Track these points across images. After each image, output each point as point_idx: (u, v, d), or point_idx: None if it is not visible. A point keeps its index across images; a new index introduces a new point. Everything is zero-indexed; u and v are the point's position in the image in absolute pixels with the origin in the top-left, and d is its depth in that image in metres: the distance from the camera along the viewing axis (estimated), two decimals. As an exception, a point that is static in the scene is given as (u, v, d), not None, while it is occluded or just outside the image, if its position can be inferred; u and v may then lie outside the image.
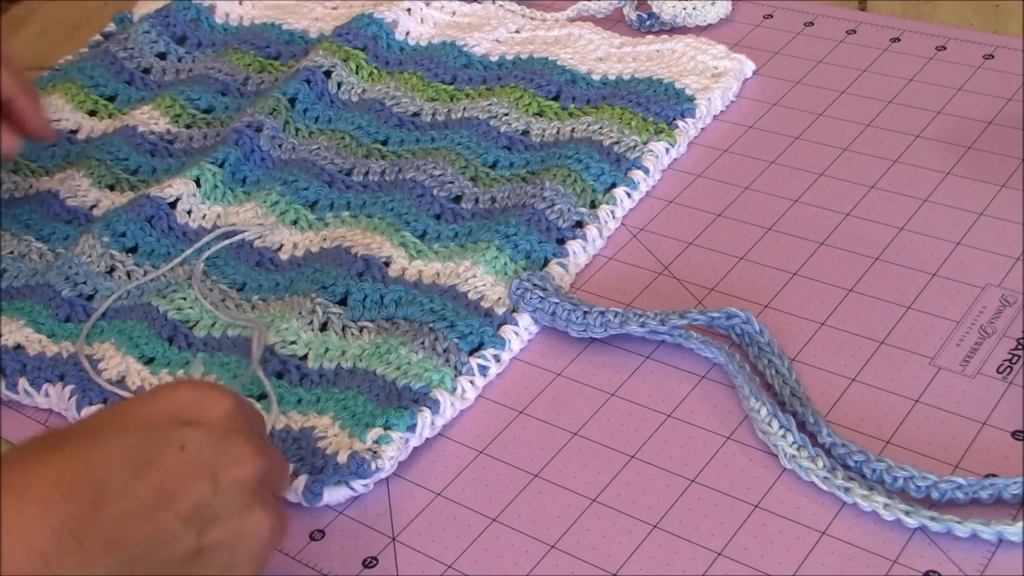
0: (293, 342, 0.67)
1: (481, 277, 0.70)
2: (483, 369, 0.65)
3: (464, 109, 0.84)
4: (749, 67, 0.87)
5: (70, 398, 0.66)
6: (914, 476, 0.56)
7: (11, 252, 0.77)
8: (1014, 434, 0.59)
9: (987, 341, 0.64)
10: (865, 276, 0.69)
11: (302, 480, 0.59)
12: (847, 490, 0.56)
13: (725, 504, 0.57)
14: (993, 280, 0.67)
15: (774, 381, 0.62)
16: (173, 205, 0.77)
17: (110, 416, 0.49)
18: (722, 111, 0.84)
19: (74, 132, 0.89)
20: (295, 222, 0.76)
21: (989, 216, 0.72)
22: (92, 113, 0.90)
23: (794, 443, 0.58)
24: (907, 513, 0.54)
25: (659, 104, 0.82)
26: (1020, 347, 0.63)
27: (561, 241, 0.72)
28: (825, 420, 0.59)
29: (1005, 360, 0.63)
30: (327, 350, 0.67)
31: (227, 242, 0.75)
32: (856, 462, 0.57)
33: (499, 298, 0.68)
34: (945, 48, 0.87)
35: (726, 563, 0.55)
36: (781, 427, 0.59)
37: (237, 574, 0.49)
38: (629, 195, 0.76)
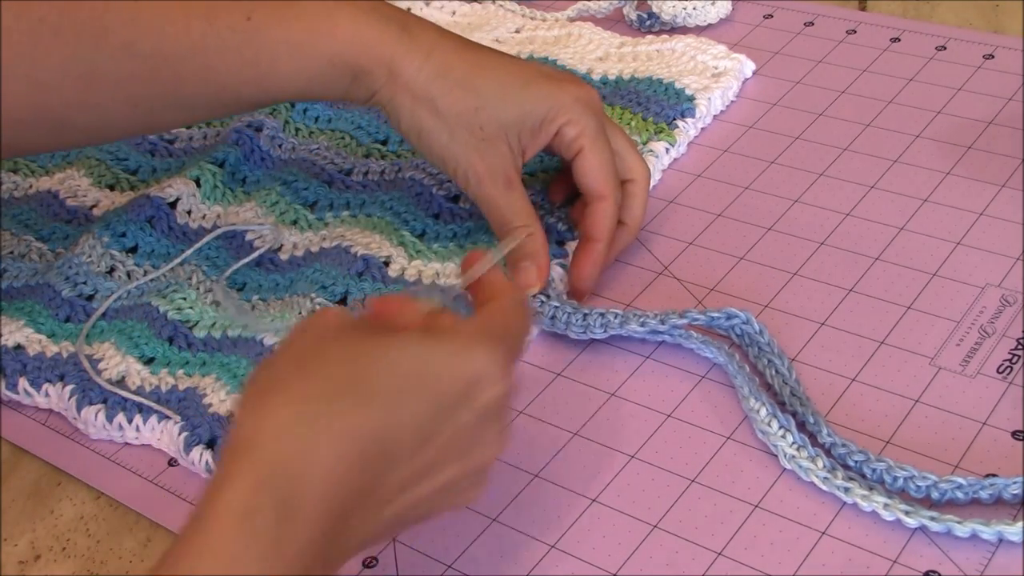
0: (293, 342, 0.67)
1: (481, 277, 0.70)
2: (483, 369, 0.65)
3: (464, 109, 0.84)
4: (749, 67, 0.87)
5: (70, 398, 0.66)
6: (914, 476, 0.56)
7: (11, 252, 0.77)
8: (1014, 434, 0.59)
9: (987, 341, 0.64)
10: (865, 276, 0.69)
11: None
12: (847, 490, 0.56)
13: (725, 504, 0.57)
14: (993, 280, 0.67)
15: (774, 381, 0.62)
16: (173, 205, 0.77)
17: (417, 367, 0.49)
18: (722, 111, 0.84)
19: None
20: (295, 222, 0.76)
21: (989, 216, 0.72)
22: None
23: (794, 443, 0.58)
24: (907, 513, 0.54)
25: (659, 104, 0.82)
26: (1020, 347, 0.63)
27: (561, 242, 0.72)
28: (825, 420, 0.59)
29: (1005, 360, 0.62)
30: (327, 350, 0.67)
31: (253, 256, 0.74)
32: (856, 462, 0.57)
33: (499, 298, 0.68)
34: (945, 48, 0.87)
35: (726, 563, 0.55)
36: (781, 427, 0.59)
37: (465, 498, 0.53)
38: (629, 195, 0.76)
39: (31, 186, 0.84)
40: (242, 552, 0.44)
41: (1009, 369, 0.62)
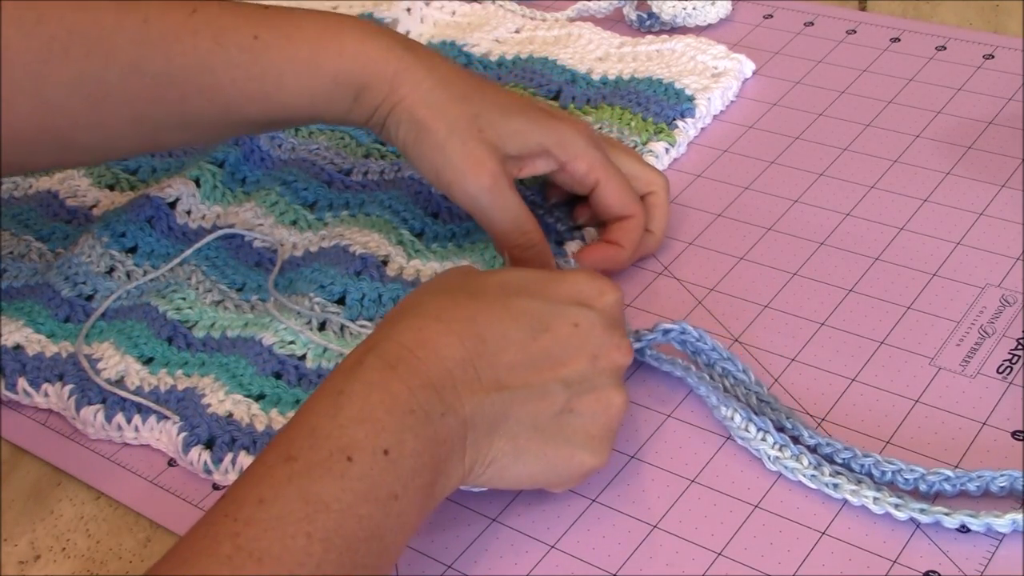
0: (292, 342, 0.67)
1: (480, 276, 0.70)
2: (482, 369, 0.65)
3: (464, 109, 0.84)
4: (749, 67, 0.87)
5: (69, 398, 0.66)
6: (901, 469, 0.56)
7: (11, 252, 0.77)
8: (1014, 434, 0.59)
9: (987, 341, 0.64)
10: (865, 276, 0.69)
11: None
12: (836, 486, 0.56)
13: (725, 504, 0.57)
14: (993, 280, 0.67)
15: (735, 390, 0.61)
16: (173, 205, 0.77)
17: (524, 282, 0.56)
18: (722, 111, 0.84)
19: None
20: (294, 222, 0.76)
21: (989, 216, 0.72)
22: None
23: (775, 444, 0.58)
24: (897, 507, 0.54)
25: (659, 104, 0.82)
26: (1020, 347, 0.63)
27: (560, 242, 0.72)
28: (803, 421, 0.59)
29: (1005, 360, 0.62)
30: (325, 350, 0.67)
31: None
32: (844, 459, 0.57)
33: (498, 298, 0.68)
34: (945, 48, 0.87)
35: (726, 563, 0.55)
36: (759, 430, 0.59)
37: (593, 438, 0.56)
38: (629, 195, 0.76)
39: (31, 186, 0.83)
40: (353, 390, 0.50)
41: (1009, 369, 0.62)
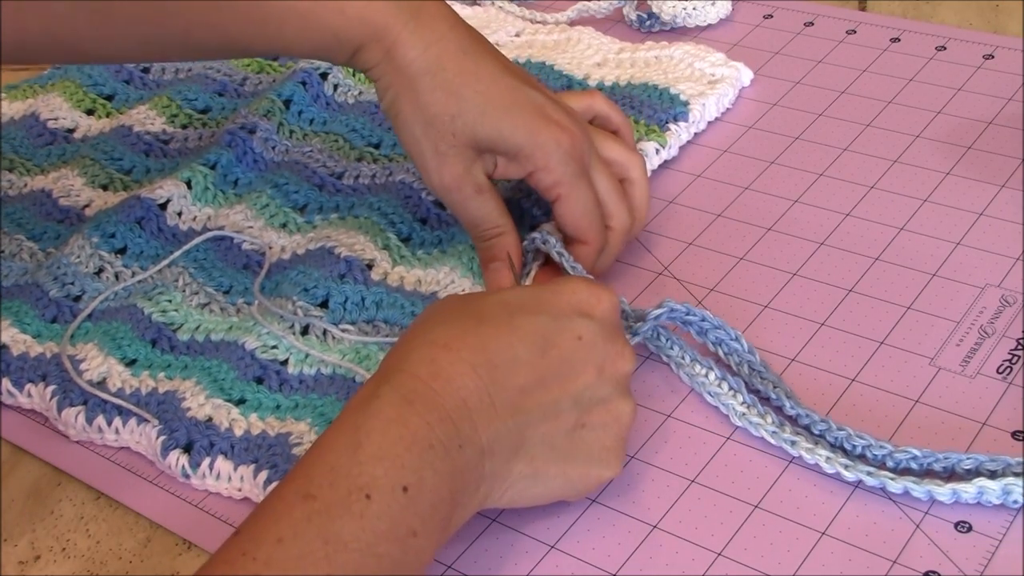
0: (274, 347, 0.67)
1: (459, 281, 0.69)
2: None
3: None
4: (747, 75, 0.86)
5: (51, 399, 0.65)
6: (871, 444, 0.57)
7: (2, 251, 0.76)
8: (1014, 434, 0.59)
9: (987, 341, 0.64)
10: (865, 276, 0.69)
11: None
12: (793, 443, 0.58)
13: (725, 504, 0.57)
14: (993, 280, 0.67)
15: (729, 359, 0.63)
16: (163, 206, 0.77)
17: (523, 298, 0.56)
18: (721, 113, 0.84)
19: (71, 131, 0.88)
20: (284, 225, 0.76)
21: (989, 216, 0.72)
22: (90, 112, 0.90)
23: (744, 402, 0.60)
24: (846, 467, 0.56)
25: (652, 107, 0.81)
26: (1020, 347, 0.63)
27: (534, 226, 0.71)
28: (789, 392, 0.60)
29: (1005, 360, 0.62)
30: (307, 355, 0.66)
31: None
32: (820, 431, 0.58)
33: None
34: (945, 48, 0.87)
35: (726, 563, 0.54)
36: (731, 388, 0.61)
37: (607, 450, 0.56)
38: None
39: (25, 185, 0.83)
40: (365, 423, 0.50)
41: (1009, 369, 0.62)
